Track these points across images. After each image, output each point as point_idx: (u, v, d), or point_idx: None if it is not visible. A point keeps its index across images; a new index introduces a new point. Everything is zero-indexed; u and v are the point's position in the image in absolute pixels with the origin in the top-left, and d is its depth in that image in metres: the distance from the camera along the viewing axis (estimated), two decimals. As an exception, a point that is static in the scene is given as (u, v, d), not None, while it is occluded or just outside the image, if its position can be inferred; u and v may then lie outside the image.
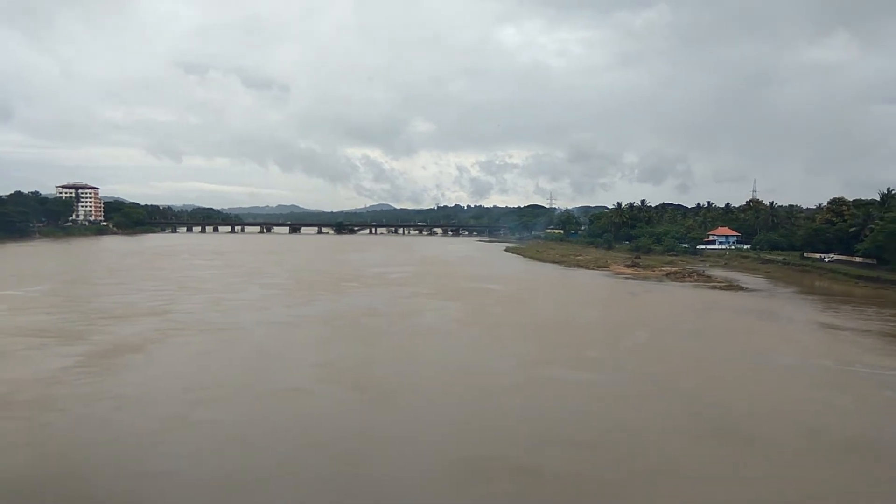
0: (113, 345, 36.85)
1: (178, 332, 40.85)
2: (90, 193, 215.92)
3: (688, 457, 21.60)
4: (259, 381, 29.96)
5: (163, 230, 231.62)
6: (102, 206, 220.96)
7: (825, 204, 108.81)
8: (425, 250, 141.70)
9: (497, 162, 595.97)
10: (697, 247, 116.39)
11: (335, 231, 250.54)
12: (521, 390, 29.30)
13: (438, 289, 67.83)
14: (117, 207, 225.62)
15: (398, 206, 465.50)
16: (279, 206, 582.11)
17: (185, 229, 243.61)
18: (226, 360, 34.39)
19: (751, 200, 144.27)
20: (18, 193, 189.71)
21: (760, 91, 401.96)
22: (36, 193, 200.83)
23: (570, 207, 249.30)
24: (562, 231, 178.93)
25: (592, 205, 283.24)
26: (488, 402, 27.32)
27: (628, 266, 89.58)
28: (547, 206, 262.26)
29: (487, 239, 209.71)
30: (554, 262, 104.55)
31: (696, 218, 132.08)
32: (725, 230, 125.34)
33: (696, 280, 74.47)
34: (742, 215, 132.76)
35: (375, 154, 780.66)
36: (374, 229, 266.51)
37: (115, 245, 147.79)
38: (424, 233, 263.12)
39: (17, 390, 27.77)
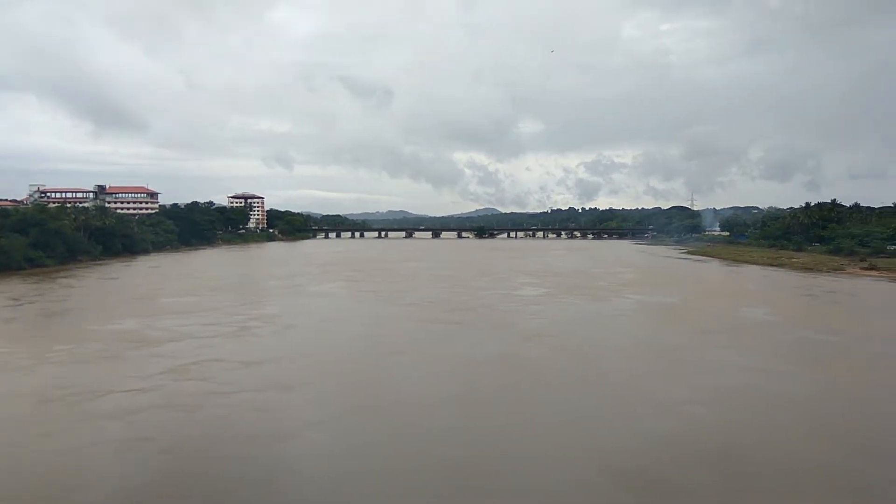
0: (525, 333, 40.65)
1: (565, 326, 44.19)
2: (258, 203, 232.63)
3: None
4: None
5: (314, 236, 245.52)
6: (265, 214, 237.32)
7: None
8: (598, 255, 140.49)
9: (604, 162, 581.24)
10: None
11: (475, 235, 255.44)
12: None
13: (701, 292, 68.71)
14: (277, 216, 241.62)
15: (504, 210, 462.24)
16: (389, 211, 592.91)
17: (335, 235, 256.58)
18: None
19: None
20: (195, 203, 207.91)
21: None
22: (210, 204, 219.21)
23: (703, 208, 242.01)
24: (728, 233, 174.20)
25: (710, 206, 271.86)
26: None
27: (865, 269, 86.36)
28: (690, 208, 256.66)
29: (645, 242, 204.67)
30: (762, 264, 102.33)
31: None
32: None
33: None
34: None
35: (480, 157, 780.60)
36: (512, 233, 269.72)
37: (299, 249, 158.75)
38: (564, 236, 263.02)
39: (521, 368, 31.51)
